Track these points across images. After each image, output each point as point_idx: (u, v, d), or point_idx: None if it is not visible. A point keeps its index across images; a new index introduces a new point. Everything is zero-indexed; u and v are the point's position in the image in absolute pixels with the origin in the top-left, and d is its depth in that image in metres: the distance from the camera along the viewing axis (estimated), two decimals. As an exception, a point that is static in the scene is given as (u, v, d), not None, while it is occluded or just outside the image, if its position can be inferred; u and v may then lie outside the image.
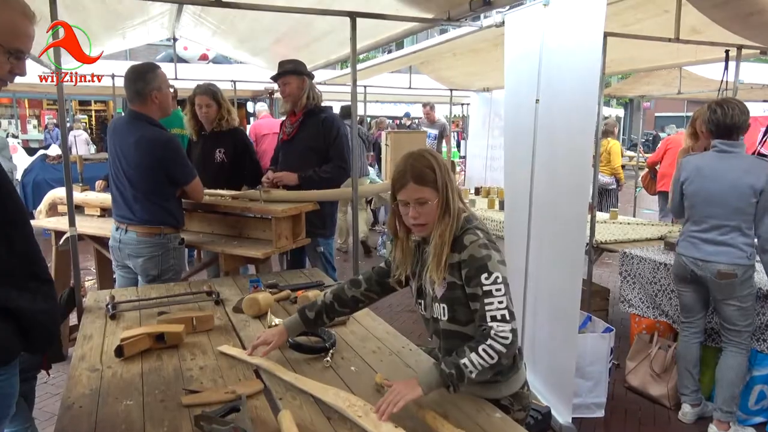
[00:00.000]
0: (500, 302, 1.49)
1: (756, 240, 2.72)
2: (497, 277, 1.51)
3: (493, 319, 1.48)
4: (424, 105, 8.40)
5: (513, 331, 1.48)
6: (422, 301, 1.74)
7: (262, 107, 7.52)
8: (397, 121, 15.07)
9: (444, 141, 8.19)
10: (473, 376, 1.44)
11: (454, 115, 10.01)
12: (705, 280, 2.81)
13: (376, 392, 1.60)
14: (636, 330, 3.58)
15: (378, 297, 1.88)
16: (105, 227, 3.36)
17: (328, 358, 1.81)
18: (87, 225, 3.48)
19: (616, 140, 6.93)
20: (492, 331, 1.46)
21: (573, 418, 2.86)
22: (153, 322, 2.09)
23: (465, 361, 1.44)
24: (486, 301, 1.49)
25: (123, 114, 2.93)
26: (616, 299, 3.88)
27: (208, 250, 3.20)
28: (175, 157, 2.74)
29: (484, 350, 1.45)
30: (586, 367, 2.99)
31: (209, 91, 3.51)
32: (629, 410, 3.14)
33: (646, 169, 6.62)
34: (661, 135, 18.51)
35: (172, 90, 2.99)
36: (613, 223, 4.72)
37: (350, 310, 1.91)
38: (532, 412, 1.78)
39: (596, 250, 3.94)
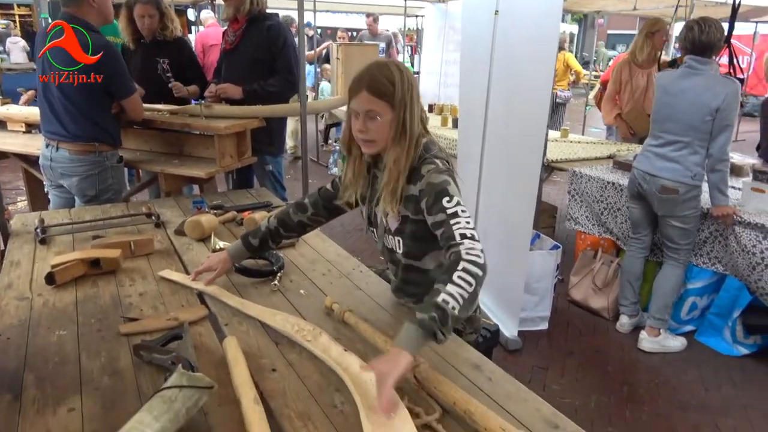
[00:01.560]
0: (467, 222, 1.34)
1: (707, 160, 2.73)
2: (458, 201, 1.38)
3: (463, 236, 1.30)
4: (368, 15, 7.96)
5: (483, 251, 1.30)
6: (374, 230, 1.65)
7: (208, 14, 6.97)
8: (348, 34, 14.40)
9: (391, 55, 7.86)
10: (456, 312, 1.18)
11: (408, 28, 9.59)
12: (649, 195, 2.88)
13: (326, 316, 1.57)
14: (581, 247, 3.69)
15: (325, 220, 1.78)
16: (32, 144, 3.11)
17: (276, 282, 1.75)
18: (11, 142, 3.21)
19: (569, 52, 6.89)
20: (463, 251, 1.26)
21: (518, 332, 2.97)
22: (87, 247, 1.95)
23: (443, 296, 1.18)
24: (453, 221, 1.34)
25: (50, 20, 2.62)
26: (563, 217, 3.96)
27: (147, 170, 3.01)
28: (113, 67, 2.49)
29: (459, 277, 1.21)
30: (533, 284, 3.07)
31: (152, 0, 3.19)
32: (571, 322, 3.29)
33: (599, 87, 6.62)
34: (609, 53, 18.55)
35: None
36: (564, 141, 4.74)
37: (297, 234, 1.82)
38: (482, 331, 1.80)
39: (546, 169, 3.96)
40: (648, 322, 3.02)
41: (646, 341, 2.99)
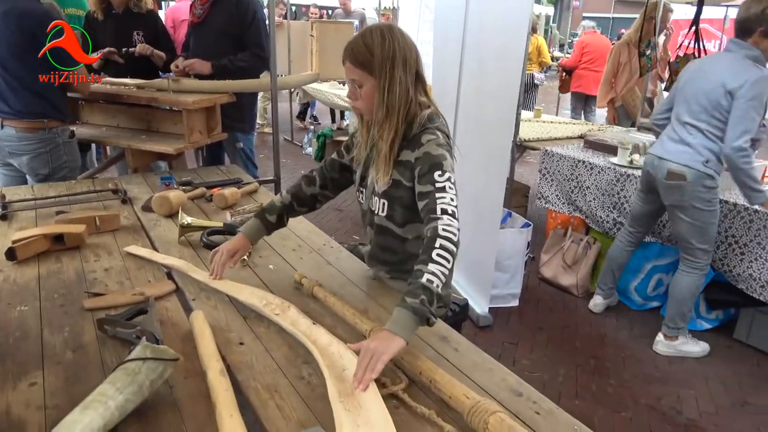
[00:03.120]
0: (452, 199, 1.35)
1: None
2: (450, 177, 1.38)
3: (444, 212, 1.31)
4: None
5: (459, 230, 1.32)
6: (363, 190, 1.64)
7: None
8: (325, 12, 14.17)
9: None
10: (440, 290, 1.21)
11: (384, 7, 9.48)
12: (658, 182, 2.65)
13: (295, 290, 1.56)
14: (552, 225, 3.74)
15: (332, 194, 1.74)
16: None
17: (245, 257, 1.73)
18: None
19: (541, 36, 6.93)
20: (440, 227, 1.27)
21: (489, 308, 3.02)
22: (51, 223, 1.91)
23: (427, 276, 1.20)
24: (438, 195, 1.34)
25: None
26: (536, 197, 4.01)
27: (113, 145, 2.94)
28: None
29: (439, 255, 1.23)
30: (504, 261, 3.11)
31: None
32: (541, 299, 3.34)
33: (559, 70, 6.72)
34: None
35: None
36: (537, 121, 4.78)
37: (308, 209, 1.74)
38: (451, 305, 1.82)
39: (519, 148, 3.99)
40: (663, 329, 2.82)
41: (662, 345, 2.81)
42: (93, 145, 3.49)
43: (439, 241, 1.25)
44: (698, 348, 2.81)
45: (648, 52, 4.43)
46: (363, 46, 1.41)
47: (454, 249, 1.26)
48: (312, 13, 8.82)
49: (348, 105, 5.61)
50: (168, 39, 3.41)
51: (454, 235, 1.28)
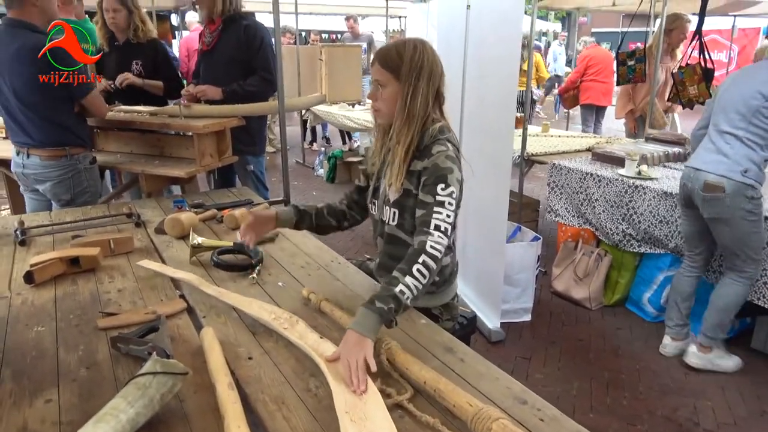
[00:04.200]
0: (448, 216, 1.42)
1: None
2: (453, 192, 1.44)
3: (437, 228, 1.39)
4: (347, 18, 8.06)
5: (448, 248, 1.41)
6: (375, 201, 1.71)
7: (193, 18, 6.96)
8: (334, 36, 14.42)
9: (372, 52, 7.92)
10: (409, 302, 1.31)
11: (392, 30, 9.63)
12: (695, 196, 2.52)
13: (303, 306, 1.59)
14: (562, 238, 3.74)
15: (359, 216, 1.84)
16: (8, 149, 3.09)
17: (254, 275, 1.77)
18: (-11, 147, 3.19)
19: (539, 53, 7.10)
20: (429, 243, 1.36)
21: (502, 323, 3.01)
22: (67, 247, 1.97)
23: (400, 287, 1.30)
24: (436, 209, 1.41)
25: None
26: (545, 210, 4.01)
27: (127, 171, 3.02)
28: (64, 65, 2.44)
29: (418, 270, 1.33)
30: (514, 275, 3.11)
31: None
32: (554, 313, 3.33)
33: (564, 84, 6.82)
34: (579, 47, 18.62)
35: None
36: (545, 136, 4.80)
37: (336, 222, 1.83)
38: (459, 318, 1.84)
39: (527, 163, 4.02)
40: (698, 338, 2.71)
41: (694, 356, 2.71)
42: (107, 171, 3.58)
43: (423, 257, 1.35)
44: (731, 363, 2.70)
45: (631, 63, 4.47)
46: (395, 51, 1.51)
47: (435, 266, 1.36)
48: (313, 39, 8.99)
49: (356, 125, 5.70)
50: (169, 67, 3.45)
51: (440, 252, 1.37)
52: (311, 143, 8.46)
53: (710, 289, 2.74)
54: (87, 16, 3.96)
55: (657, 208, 3.02)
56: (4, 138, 3.40)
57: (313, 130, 8.47)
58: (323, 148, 7.71)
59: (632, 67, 4.49)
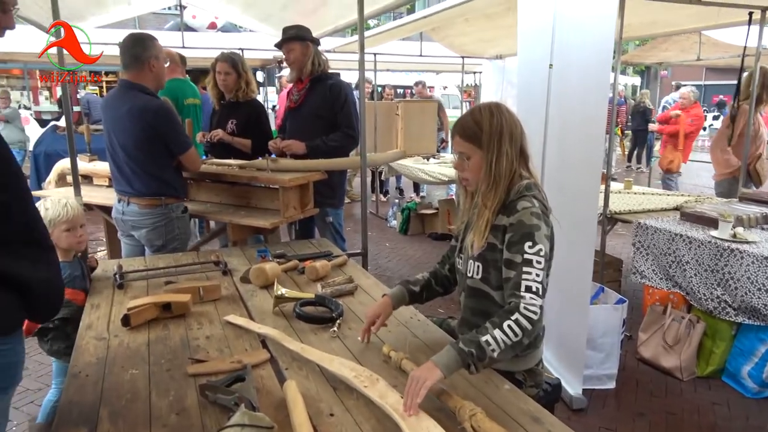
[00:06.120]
0: (537, 275, 1.40)
1: None
2: (540, 249, 1.43)
3: (528, 290, 1.38)
4: (416, 84, 8.30)
5: (542, 308, 1.39)
6: (462, 256, 1.71)
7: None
8: (409, 91, 14.84)
9: (441, 115, 8.03)
10: (495, 355, 1.32)
11: (467, 85, 9.81)
12: None
13: (383, 363, 1.58)
14: (649, 302, 3.53)
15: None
16: (113, 197, 3.34)
17: (335, 329, 1.78)
18: (95, 195, 3.47)
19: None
20: (522, 305, 1.36)
21: (584, 390, 2.85)
22: (160, 292, 2.08)
23: (487, 338, 1.31)
24: (525, 269, 1.40)
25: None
26: (629, 270, 3.82)
27: (216, 220, 3.18)
28: (168, 125, 2.68)
29: (509, 326, 1.33)
30: (597, 339, 2.95)
31: (230, 58, 3.50)
32: (640, 381, 3.11)
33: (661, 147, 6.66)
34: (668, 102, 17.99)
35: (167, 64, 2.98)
36: (628, 193, 4.63)
37: (443, 289, 1.85)
38: (543, 385, 1.76)
39: (610, 221, 3.88)
40: None
41: None
42: (195, 219, 3.80)
43: (516, 315, 1.35)
44: None
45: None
46: (472, 122, 1.53)
47: (529, 327, 1.34)
48: (387, 95, 9.26)
49: (431, 178, 5.75)
50: (258, 126, 3.61)
51: (535, 314, 1.35)
52: (384, 195, 8.59)
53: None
54: (187, 74, 4.33)
55: (756, 274, 2.80)
56: (108, 186, 3.70)
57: (382, 182, 8.63)
58: (396, 200, 7.81)
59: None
